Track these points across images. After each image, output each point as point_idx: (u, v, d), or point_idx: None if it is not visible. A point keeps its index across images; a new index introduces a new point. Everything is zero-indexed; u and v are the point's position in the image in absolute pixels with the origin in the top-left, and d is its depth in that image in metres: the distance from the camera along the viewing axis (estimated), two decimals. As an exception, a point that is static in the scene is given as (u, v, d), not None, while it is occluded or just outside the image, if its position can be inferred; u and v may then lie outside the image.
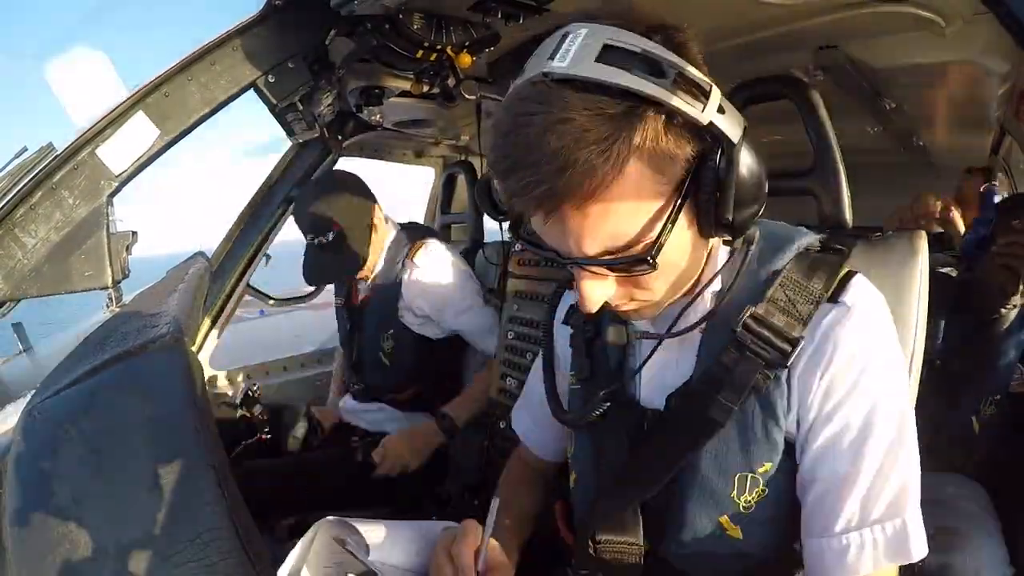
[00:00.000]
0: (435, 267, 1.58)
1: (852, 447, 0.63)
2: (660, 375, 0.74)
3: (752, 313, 0.65)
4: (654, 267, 0.57)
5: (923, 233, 0.90)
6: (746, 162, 0.57)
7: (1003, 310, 1.44)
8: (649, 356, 0.73)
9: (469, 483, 1.60)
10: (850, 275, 0.68)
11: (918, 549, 0.61)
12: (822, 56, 1.13)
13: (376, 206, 1.57)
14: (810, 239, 0.73)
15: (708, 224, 0.59)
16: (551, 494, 0.98)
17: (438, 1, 1.01)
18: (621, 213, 0.55)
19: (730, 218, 0.58)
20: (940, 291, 0.89)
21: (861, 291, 0.67)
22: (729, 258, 0.71)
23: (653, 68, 0.51)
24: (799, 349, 0.64)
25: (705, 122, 0.53)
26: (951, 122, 1.56)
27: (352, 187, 1.54)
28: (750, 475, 0.67)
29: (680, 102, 0.51)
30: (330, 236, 1.47)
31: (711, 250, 0.70)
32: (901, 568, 0.64)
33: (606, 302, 0.63)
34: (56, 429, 0.64)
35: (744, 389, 0.65)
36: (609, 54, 0.50)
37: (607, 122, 0.51)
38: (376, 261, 1.63)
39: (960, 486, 1.37)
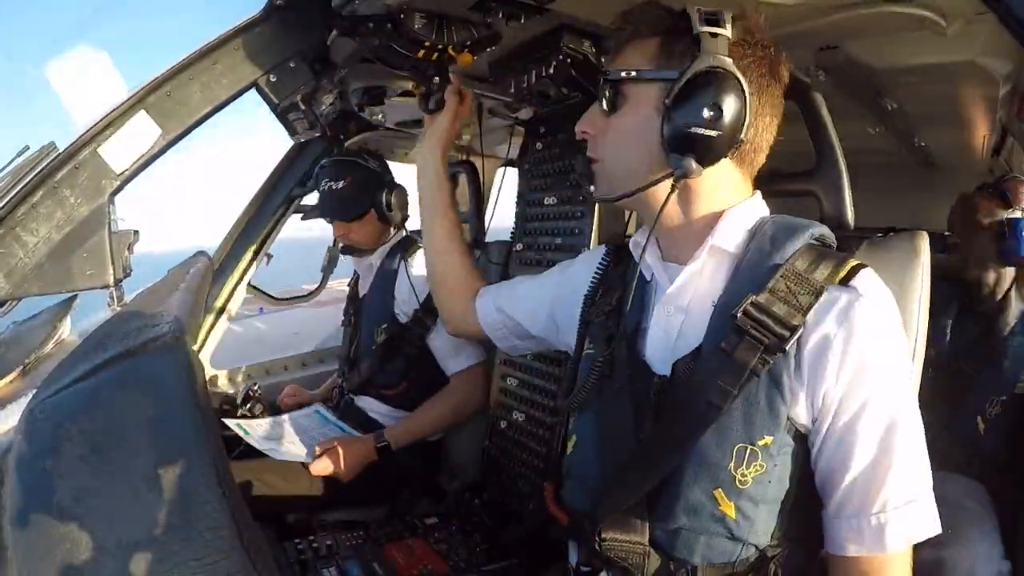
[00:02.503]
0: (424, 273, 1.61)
1: (882, 434, 0.68)
2: (666, 339, 0.79)
3: (752, 300, 0.70)
4: (611, 103, 0.77)
5: (924, 233, 0.90)
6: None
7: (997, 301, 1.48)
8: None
9: (468, 482, 1.60)
10: (859, 267, 0.72)
11: (936, 524, 0.69)
12: (823, 57, 1.13)
13: (399, 195, 1.69)
14: (819, 231, 0.77)
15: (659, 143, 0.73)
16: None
17: (439, 1, 1.01)
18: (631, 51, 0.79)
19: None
20: (938, 293, 0.90)
21: (872, 280, 0.71)
22: (746, 240, 0.77)
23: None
24: (801, 334, 0.68)
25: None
26: (952, 123, 1.56)
27: (379, 164, 1.73)
28: (750, 447, 0.69)
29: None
30: (340, 184, 1.66)
31: (693, 197, 0.78)
32: None
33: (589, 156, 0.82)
34: (57, 429, 0.64)
35: (742, 374, 0.68)
36: None
37: None
38: (378, 245, 1.74)
39: (961, 485, 1.37)
